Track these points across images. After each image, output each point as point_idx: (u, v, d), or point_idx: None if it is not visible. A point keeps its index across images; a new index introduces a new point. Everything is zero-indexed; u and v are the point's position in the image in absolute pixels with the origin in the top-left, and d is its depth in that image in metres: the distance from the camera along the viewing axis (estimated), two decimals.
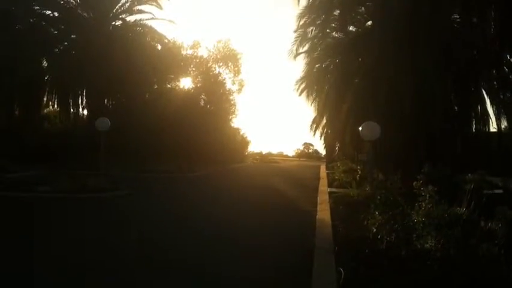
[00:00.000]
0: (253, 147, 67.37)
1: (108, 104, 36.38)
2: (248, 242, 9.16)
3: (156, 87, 38.20)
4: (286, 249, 8.54)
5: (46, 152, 28.34)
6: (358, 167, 21.15)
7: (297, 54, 25.66)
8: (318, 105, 28.00)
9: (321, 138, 30.91)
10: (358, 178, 19.36)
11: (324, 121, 27.86)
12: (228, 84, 44.46)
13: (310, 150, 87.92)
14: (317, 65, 25.95)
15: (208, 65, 42.66)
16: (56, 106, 35.73)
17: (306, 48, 25.37)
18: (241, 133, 52.28)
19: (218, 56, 43.43)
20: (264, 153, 71.54)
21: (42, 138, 30.82)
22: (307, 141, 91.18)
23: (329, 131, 27.72)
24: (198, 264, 7.41)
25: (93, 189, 15.90)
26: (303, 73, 28.18)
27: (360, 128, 16.78)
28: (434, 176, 12.17)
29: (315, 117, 29.99)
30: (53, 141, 30.78)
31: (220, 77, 43.25)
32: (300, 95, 30.16)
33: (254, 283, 6.39)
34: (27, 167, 23.39)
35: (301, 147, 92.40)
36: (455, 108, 19.49)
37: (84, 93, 35.44)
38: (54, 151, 28.84)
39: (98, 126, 24.48)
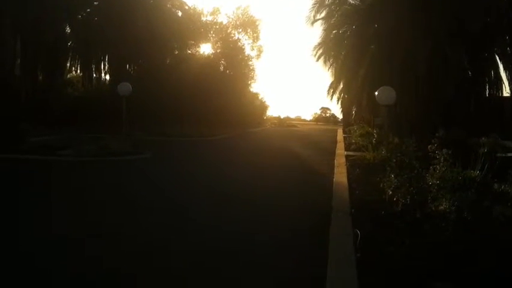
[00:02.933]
0: (272, 112, 67.46)
1: (129, 69, 36.93)
2: (267, 203, 9.36)
3: (176, 52, 38.69)
4: (304, 211, 8.68)
5: (69, 117, 29.06)
6: (375, 131, 21.25)
7: (315, 21, 25.92)
8: (335, 70, 28.08)
9: (338, 103, 30.93)
10: (374, 142, 19.54)
11: (341, 86, 27.98)
12: (247, 50, 44.98)
13: (327, 115, 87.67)
14: (334, 31, 25.97)
15: (228, 31, 43.11)
16: (78, 71, 36.19)
17: (323, 14, 25.53)
18: (259, 98, 52.29)
19: (237, 23, 43.86)
20: (282, 117, 71.48)
21: (65, 103, 31.54)
22: (325, 106, 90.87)
23: (346, 96, 27.81)
24: (218, 221, 7.79)
25: (117, 153, 16.42)
26: (320, 39, 28.20)
27: (376, 93, 16.95)
28: (449, 139, 12.40)
29: (332, 82, 30.07)
30: (75, 105, 31.52)
31: (239, 43, 43.63)
32: (318, 60, 30.21)
33: (273, 243, 6.54)
34: (50, 131, 23.94)
35: (319, 112, 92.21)
36: (469, 73, 19.66)
37: (107, 59, 36.14)
38: (77, 115, 29.56)
39: (119, 91, 24.86)
